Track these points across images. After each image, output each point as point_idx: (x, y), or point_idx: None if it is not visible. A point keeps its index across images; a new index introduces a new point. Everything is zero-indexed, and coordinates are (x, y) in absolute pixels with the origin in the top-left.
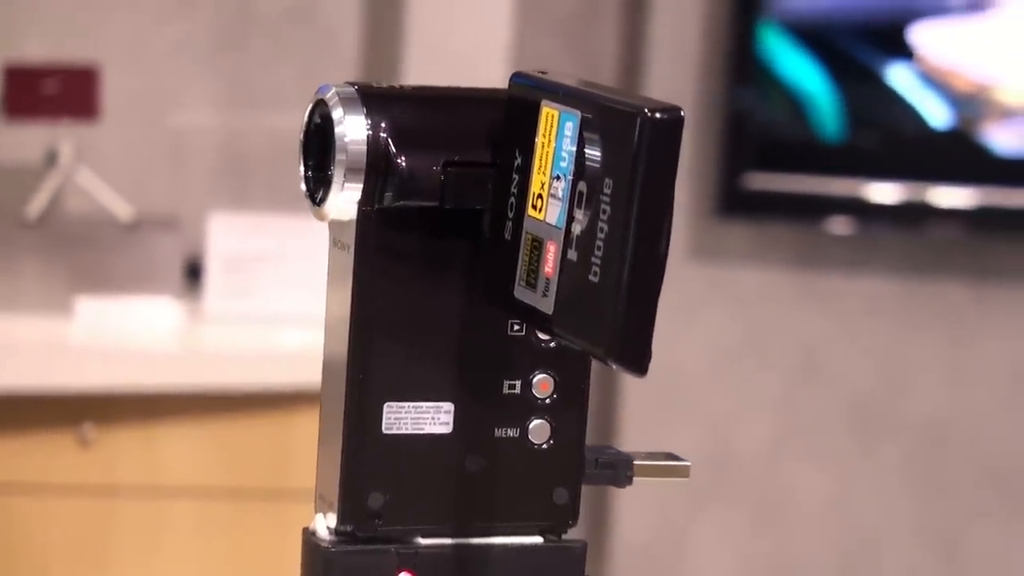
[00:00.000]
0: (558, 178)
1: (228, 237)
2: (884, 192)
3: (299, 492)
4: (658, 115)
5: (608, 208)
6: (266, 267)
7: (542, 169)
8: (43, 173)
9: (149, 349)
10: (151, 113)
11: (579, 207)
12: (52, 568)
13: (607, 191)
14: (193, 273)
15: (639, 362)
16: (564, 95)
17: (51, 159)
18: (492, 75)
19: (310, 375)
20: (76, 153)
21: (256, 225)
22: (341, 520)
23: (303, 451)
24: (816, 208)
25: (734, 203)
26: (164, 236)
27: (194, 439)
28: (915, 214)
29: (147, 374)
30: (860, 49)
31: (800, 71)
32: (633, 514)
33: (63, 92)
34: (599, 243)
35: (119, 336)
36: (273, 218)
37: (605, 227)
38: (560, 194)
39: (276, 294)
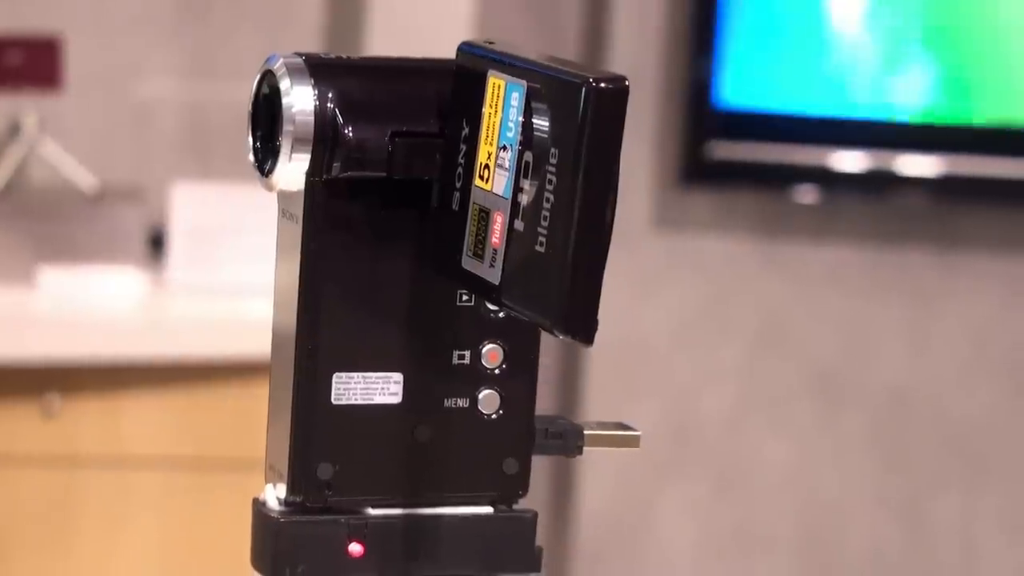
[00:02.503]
0: (505, 148)
1: (192, 208)
2: (848, 160)
3: (263, 462)
4: (603, 85)
5: (554, 178)
6: (230, 237)
7: (489, 139)
8: (6, 144)
9: (113, 319)
10: (114, 84)
11: (526, 177)
12: (15, 538)
13: (553, 161)
14: (157, 243)
15: (586, 332)
16: (510, 65)
17: (14, 130)
18: (455, 47)
19: None
20: (39, 124)
21: (220, 196)
22: (291, 490)
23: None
24: (780, 177)
25: (697, 172)
26: (128, 207)
27: (158, 409)
28: (879, 183)
29: (111, 344)
30: (823, 16)
31: (763, 40)
32: (597, 485)
33: (25, 63)
34: (545, 213)
35: (83, 306)
36: (237, 189)
37: (551, 197)
38: (507, 164)
39: (240, 264)
